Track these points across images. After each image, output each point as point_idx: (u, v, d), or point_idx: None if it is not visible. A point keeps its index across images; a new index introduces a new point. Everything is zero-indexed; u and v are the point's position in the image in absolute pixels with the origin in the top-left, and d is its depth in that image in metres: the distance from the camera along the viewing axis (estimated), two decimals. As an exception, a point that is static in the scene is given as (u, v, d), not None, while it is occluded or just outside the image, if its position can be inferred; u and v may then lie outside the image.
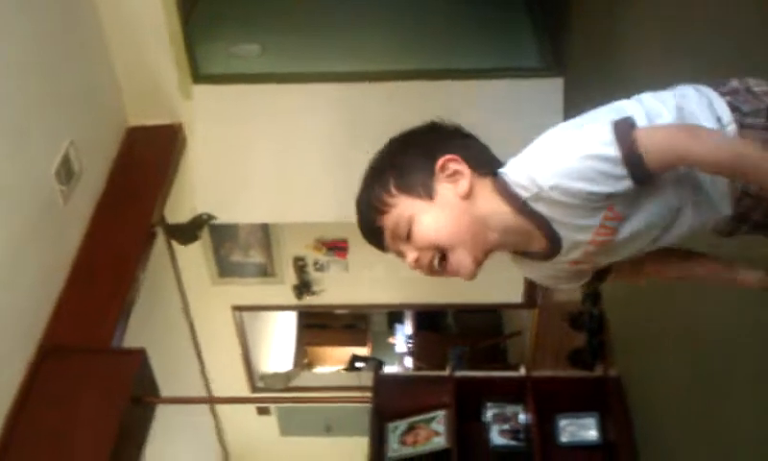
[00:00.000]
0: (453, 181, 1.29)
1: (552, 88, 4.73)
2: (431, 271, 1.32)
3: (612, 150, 1.17)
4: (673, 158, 1.20)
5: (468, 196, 1.28)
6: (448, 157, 1.29)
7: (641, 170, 1.17)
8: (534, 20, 5.35)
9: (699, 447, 3.27)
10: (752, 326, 2.69)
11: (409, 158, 1.32)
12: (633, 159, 1.17)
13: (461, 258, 1.29)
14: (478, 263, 1.31)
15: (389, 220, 1.31)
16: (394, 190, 1.30)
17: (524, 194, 1.23)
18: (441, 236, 1.28)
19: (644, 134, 1.19)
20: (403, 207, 1.29)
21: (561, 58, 4.86)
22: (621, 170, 1.17)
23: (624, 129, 1.19)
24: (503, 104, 4.74)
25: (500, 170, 1.29)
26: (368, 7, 5.47)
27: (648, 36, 3.53)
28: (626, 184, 1.18)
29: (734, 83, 1.32)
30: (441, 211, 1.28)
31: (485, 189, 1.29)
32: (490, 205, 1.28)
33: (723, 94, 1.30)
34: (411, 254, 1.30)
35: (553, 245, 1.29)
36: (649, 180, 1.20)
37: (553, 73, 4.81)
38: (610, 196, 1.20)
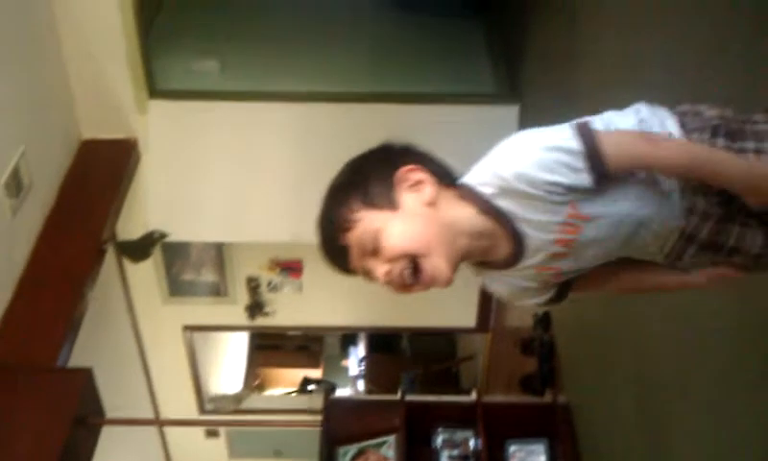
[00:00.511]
0: (416, 189, 1.29)
1: (507, 115, 4.78)
2: (402, 285, 1.29)
3: (574, 143, 1.21)
4: (632, 159, 1.24)
5: (433, 203, 1.28)
6: (409, 167, 1.29)
7: (601, 165, 1.21)
8: (491, 47, 5.41)
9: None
10: (698, 357, 2.73)
11: (368, 174, 1.31)
12: (593, 153, 1.20)
13: (436, 264, 1.27)
14: (453, 268, 1.29)
15: (354, 236, 1.28)
16: (356, 205, 1.28)
17: (488, 190, 1.25)
18: (413, 243, 1.26)
19: (605, 134, 1.24)
20: (369, 221, 1.27)
21: (517, 84, 4.92)
22: (582, 163, 1.21)
23: (585, 127, 1.24)
24: (459, 129, 4.77)
25: (462, 179, 1.31)
26: (329, 28, 5.49)
27: (604, 65, 3.59)
28: (586, 178, 1.21)
29: (686, 106, 1.37)
30: (408, 220, 1.27)
31: (448, 197, 1.29)
32: (455, 210, 1.28)
33: (673, 114, 1.34)
34: (381, 268, 1.28)
35: (518, 246, 1.28)
36: (608, 177, 1.22)
37: (509, 100, 4.87)
38: (570, 189, 1.22)
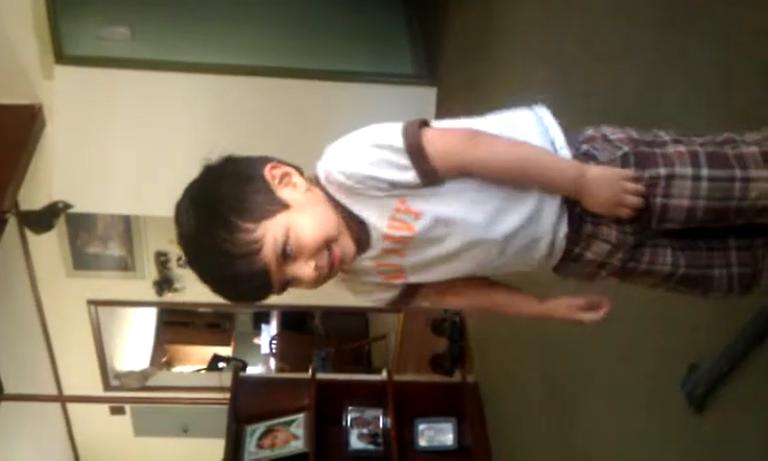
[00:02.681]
0: (288, 183, 1.27)
1: (425, 97, 4.80)
2: (328, 273, 1.27)
3: (398, 141, 1.22)
4: (457, 161, 1.24)
5: (309, 188, 1.28)
6: (270, 165, 1.27)
7: (425, 164, 1.22)
8: (411, 29, 5.41)
9: (552, 452, 3.38)
10: (602, 336, 2.80)
11: (238, 194, 1.25)
12: (415, 151, 1.22)
13: (346, 241, 1.27)
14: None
15: (267, 251, 1.21)
16: (250, 225, 1.21)
17: (321, 177, 1.28)
18: (325, 228, 1.25)
19: (433, 133, 1.25)
20: (272, 230, 1.22)
21: (436, 67, 4.93)
22: (405, 160, 1.22)
23: (413, 125, 1.25)
24: (375, 108, 4.76)
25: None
26: (245, 1, 5.37)
27: (520, 48, 3.63)
28: (410, 176, 1.22)
29: (590, 131, 1.35)
30: (307, 210, 1.25)
31: (311, 183, 1.30)
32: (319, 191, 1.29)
33: (581, 143, 1.32)
34: (308, 265, 1.24)
35: (360, 230, 1.27)
36: (434, 176, 1.23)
37: (427, 82, 4.88)
38: (395, 185, 1.23)
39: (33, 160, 4.47)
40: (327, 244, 1.25)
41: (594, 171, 1.26)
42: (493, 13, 4.01)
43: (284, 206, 1.24)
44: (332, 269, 1.27)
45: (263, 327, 10.08)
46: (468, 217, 1.27)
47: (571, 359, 3.13)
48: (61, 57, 4.48)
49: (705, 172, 1.25)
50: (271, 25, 5.16)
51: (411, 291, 1.41)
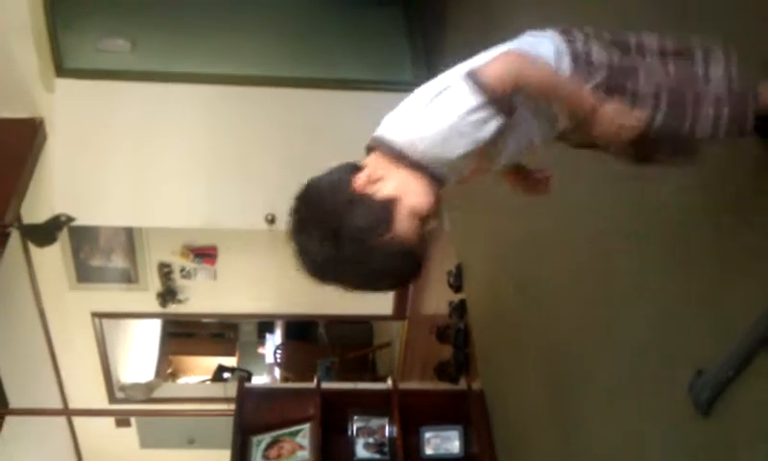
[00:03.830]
0: (378, 179, 1.37)
1: (426, 103, 4.78)
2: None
3: (471, 101, 1.32)
4: (512, 81, 1.34)
5: (385, 170, 1.37)
6: (355, 174, 1.38)
7: (502, 104, 1.33)
8: (411, 35, 5.41)
9: (557, 459, 3.36)
10: (607, 341, 2.79)
11: (354, 222, 1.34)
12: (491, 98, 1.32)
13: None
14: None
15: (410, 235, 1.35)
16: (387, 234, 1.33)
17: (410, 155, 1.36)
18: (426, 192, 1.36)
19: (487, 73, 1.35)
20: (402, 224, 1.33)
21: (436, 74, 4.91)
22: (484, 113, 1.32)
23: (471, 79, 1.35)
24: (375, 116, 4.74)
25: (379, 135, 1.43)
26: (246, 11, 5.37)
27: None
28: (498, 120, 1.33)
29: (579, 43, 1.48)
30: (403, 187, 1.35)
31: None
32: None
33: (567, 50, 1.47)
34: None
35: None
36: (510, 107, 1.35)
37: (428, 88, 4.86)
38: (485, 140, 1.34)
39: (35, 174, 4.47)
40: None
41: (607, 110, 1.42)
42: (493, 21, 4.01)
43: (392, 201, 1.34)
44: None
45: (267, 336, 10.05)
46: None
47: (576, 365, 3.11)
48: (62, 70, 4.49)
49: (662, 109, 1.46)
50: (270, 35, 5.16)
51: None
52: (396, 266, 1.38)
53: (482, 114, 1.32)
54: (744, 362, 1.92)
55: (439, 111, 1.36)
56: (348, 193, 1.36)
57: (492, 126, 1.33)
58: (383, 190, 1.35)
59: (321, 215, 1.39)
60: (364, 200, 1.35)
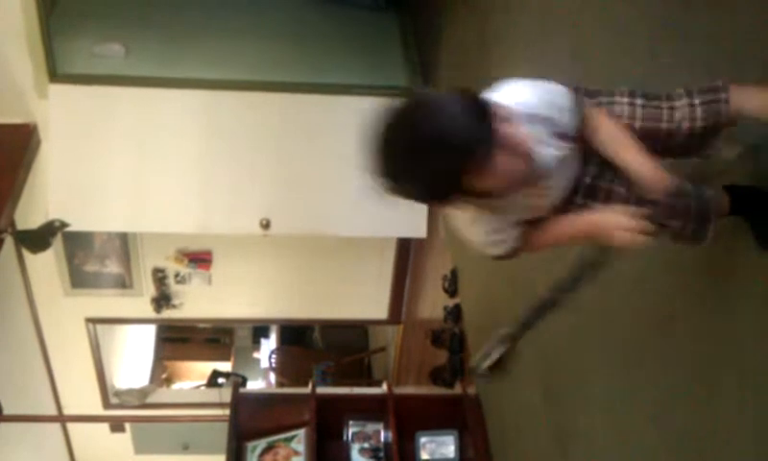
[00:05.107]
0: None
1: (420, 109, 4.78)
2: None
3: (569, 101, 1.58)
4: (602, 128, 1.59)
5: None
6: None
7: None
8: (405, 40, 5.41)
9: (552, 464, 3.36)
10: (602, 347, 2.79)
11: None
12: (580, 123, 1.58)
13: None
14: None
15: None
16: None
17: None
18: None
19: (595, 114, 1.61)
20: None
21: (430, 80, 4.93)
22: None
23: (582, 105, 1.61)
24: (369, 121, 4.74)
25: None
26: (240, 16, 5.37)
27: (515, 63, 3.62)
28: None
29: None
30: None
31: None
32: None
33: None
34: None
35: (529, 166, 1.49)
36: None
37: (422, 94, 4.86)
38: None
39: (28, 179, 4.46)
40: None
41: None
42: (488, 27, 4.01)
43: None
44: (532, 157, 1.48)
45: (262, 341, 10.04)
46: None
47: (571, 371, 3.11)
48: (56, 75, 4.48)
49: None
50: (265, 40, 5.16)
51: (527, 236, 1.67)
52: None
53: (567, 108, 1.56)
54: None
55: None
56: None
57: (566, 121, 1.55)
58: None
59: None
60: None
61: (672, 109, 1.64)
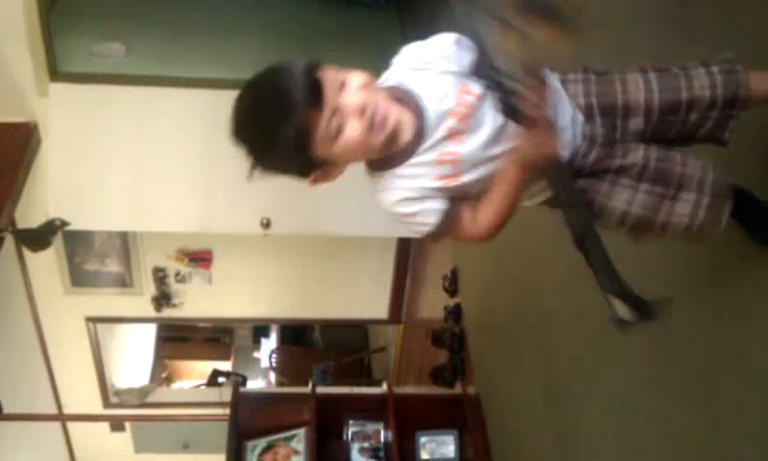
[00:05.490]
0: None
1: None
2: (376, 124, 1.37)
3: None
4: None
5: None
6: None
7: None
8: (405, 39, 5.40)
9: (552, 464, 3.36)
10: (602, 347, 2.78)
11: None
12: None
13: (402, 112, 1.41)
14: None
15: (326, 76, 1.42)
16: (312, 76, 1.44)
17: (391, 82, 1.47)
18: (372, 81, 1.43)
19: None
20: (333, 77, 1.43)
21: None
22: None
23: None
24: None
25: None
26: (241, 15, 5.37)
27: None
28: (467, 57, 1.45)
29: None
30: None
31: None
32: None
33: None
34: (356, 97, 1.39)
35: (420, 120, 1.40)
36: None
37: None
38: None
39: (29, 178, 4.46)
40: (374, 101, 1.37)
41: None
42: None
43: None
44: (382, 122, 1.37)
45: (262, 340, 10.04)
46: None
47: (572, 370, 3.11)
48: (56, 73, 4.48)
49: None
50: (265, 38, 5.15)
51: (453, 212, 1.44)
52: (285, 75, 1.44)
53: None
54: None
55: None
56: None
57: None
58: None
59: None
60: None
61: (689, 77, 1.52)
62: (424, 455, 4.36)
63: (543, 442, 3.42)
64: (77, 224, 4.75)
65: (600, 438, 2.88)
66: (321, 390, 4.61)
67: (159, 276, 5.95)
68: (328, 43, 5.26)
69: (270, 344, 9.70)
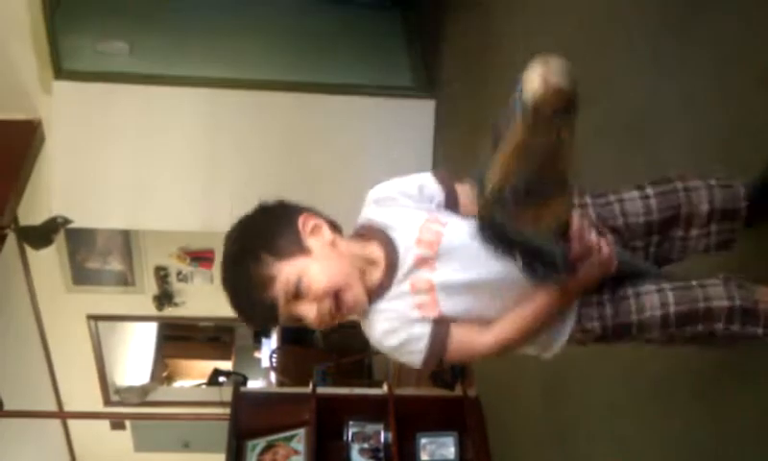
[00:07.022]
0: (316, 234, 1.42)
1: (424, 109, 4.79)
2: (331, 319, 1.40)
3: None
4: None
5: (334, 242, 1.43)
6: (305, 214, 1.43)
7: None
8: (409, 41, 5.41)
9: (551, 467, 3.35)
10: (602, 351, 2.78)
11: (271, 230, 1.42)
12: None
13: (356, 293, 1.40)
14: (366, 294, 1.42)
15: (278, 288, 1.37)
16: (271, 261, 1.37)
17: (360, 220, 1.49)
18: (334, 280, 1.38)
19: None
20: (288, 271, 1.37)
21: (434, 79, 4.93)
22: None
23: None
24: (373, 121, 4.76)
25: None
26: (244, 15, 5.38)
27: (518, 61, 3.62)
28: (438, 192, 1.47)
29: None
30: (323, 260, 1.39)
31: (338, 237, 1.45)
32: (347, 245, 1.45)
33: None
34: (310, 309, 1.38)
35: (391, 251, 1.41)
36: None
37: (425, 94, 4.87)
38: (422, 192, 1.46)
39: (32, 176, 4.46)
40: (337, 293, 1.38)
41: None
42: (491, 26, 4.01)
43: (305, 251, 1.40)
44: (338, 313, 1.40)
45: (263, 340, 10.03)
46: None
47: (571, 374, 3.11)
48: (60, 71, 4.48)
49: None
50: (269, 39, 5.16)
51: (443, 333, 1.40)
52: (242, 299, 1.43)
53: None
54: None
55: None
56: (288, 214, 1.47)
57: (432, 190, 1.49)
58: (309, 241, 1.43)
59: (257, 213, 1.50)
60: (287, 224, 1.44)
61: (688, 190, 1.50)
62: (424, 457, 4.36)
63: (543, 444, 3.42)
64: (79, 222, 4.75)
65: (600, 440, 2.88)
66: (321, 390, 4.62)
67: (161, 274, 5.95)
68: (331, 43, 5.27)
69: (270, 344, 9.69)
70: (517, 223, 1.20)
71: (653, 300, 1.43)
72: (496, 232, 1.25)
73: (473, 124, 4.08)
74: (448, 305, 1.39)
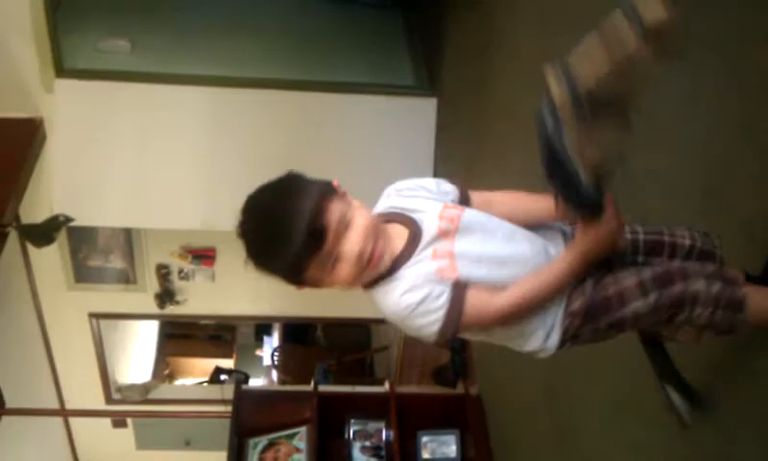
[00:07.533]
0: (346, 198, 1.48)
1: (425, 107, 4.79)
2: (366, 265, 1.42)
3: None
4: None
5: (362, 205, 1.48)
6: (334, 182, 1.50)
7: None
8: (411, 40, 5.41)
9: (553, 465, 3.36)
10: (603, 349, 2.78)
11: (309, 179, 1.53)
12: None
13: (384, 244, 1.44)
14: None
15: (331, 217, 1.40)
16: (321, 195, 1.44)
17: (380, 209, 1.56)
18: (375, 222, 1.45)
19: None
20: (338, 205, 1.43)
21: (435, 77, 4.93)
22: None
23: None
24: (375, 119, 4.76)
25: None
26: (246, 13, 5.38)
27: (518, 58, 3.62)
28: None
29: None
30: (361, 209, 1.46)
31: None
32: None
33: None
34: (357, 244, 1.40)
35: (414, 227, 1.49)
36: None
37: (427, 92, 4.87)
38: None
39: (34, 174, 4.46)
40: (373, 239, 1.42)
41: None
42: (492, 24, 4.01)
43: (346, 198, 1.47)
44: (372, 261, 1.42)
45: (265, 338, 10.04)
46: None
47: (573, 372, 3.11)
48: (62, 70, 4.48)
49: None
50: (270, 37, 5.16)
51: (461, 296, 1.45)
52: (295, 220, 1.44)
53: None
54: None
55: None
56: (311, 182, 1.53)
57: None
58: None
59: None
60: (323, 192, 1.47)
61: (671, 228, 1.65)
62: (426, 455, 4.37)
63: (545, 442, 3.43)
64: (81, 220, 4.76)
65: (601, 438, 2.88)
66: (323, 388, 4.62)
67: (163, 273, 5.95)
68: (332, 42, 5.27)
69: (272, 342, 9.71)
70: (577, 133, 1.23)
71: (630, 278, 1.51)
72: (555, 137, 1.27)
73: (475, 122, 4.08)
74: (466, 271, 1.45)
